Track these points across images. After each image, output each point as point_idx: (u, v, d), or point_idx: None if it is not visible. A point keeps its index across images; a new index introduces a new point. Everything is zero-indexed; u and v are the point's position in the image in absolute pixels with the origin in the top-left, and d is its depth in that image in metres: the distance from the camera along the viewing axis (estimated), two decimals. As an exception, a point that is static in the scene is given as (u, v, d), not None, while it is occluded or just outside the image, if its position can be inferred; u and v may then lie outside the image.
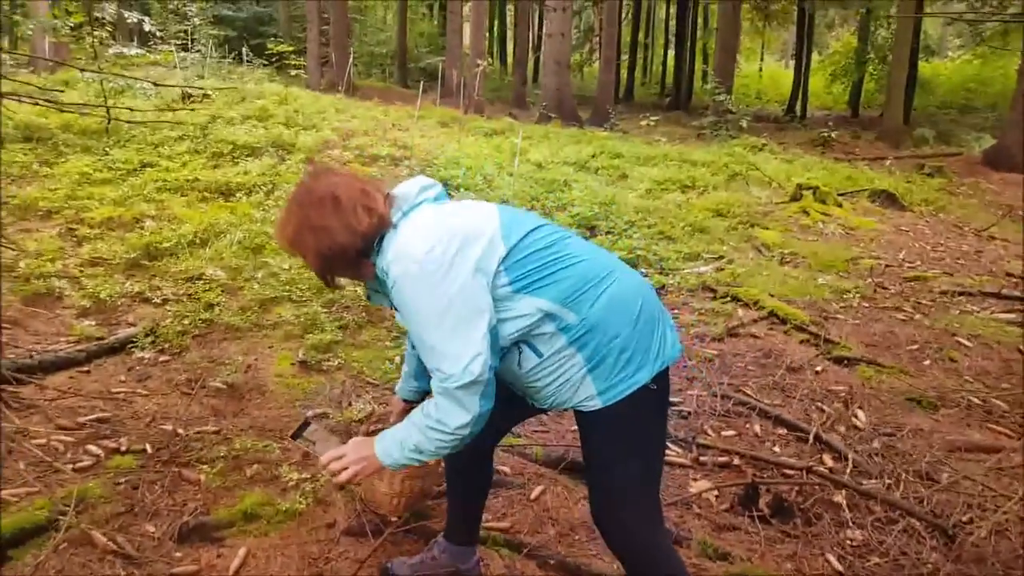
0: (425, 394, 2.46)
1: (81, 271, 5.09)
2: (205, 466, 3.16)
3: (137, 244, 5.48)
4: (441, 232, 1.86)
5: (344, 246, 1.90)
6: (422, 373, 2.41)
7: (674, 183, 9.48)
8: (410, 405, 2.44)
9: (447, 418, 1.85)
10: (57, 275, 4.93)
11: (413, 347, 2.39)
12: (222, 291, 5.04)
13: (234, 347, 4.38)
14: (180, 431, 3.45)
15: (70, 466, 3.08)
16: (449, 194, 2.17)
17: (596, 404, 1.93)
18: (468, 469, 2.46)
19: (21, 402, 3.53)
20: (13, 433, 3.24)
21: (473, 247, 1.85)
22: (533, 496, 3.19)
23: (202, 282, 5.19)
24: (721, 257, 6.89)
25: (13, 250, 5.00)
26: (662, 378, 1.98)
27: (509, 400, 2.08)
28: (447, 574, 2.56)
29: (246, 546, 2.71)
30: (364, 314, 4.83)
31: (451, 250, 1.83)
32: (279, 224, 2.00)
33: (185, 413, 3.63)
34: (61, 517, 2.73)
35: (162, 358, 4.23)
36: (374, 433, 2.08)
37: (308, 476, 3.06)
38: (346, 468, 1.98)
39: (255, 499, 2.95)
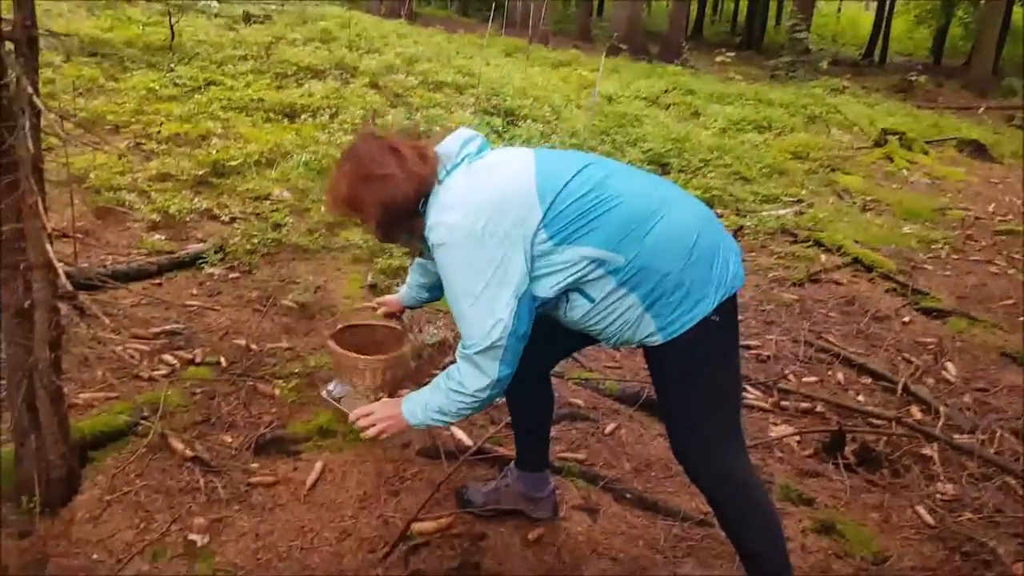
0: (424, 304, 2.58)
1: (150, 186, 5.07)
2: (280, 381, 3.13)
3: (204, 161, 5.44)
4: (476, 200, 1.86)
5: (408, 195, 1.90)
6: (435, 287, 2.42)
7: (749, 123, 9.10)
8: (402, 311, 2.64)
9: (467, 381, 1.90)
10: (127, 188, 4.92)
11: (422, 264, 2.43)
12: (289, 212, 4.98)
13: (303, 268, 4.33)
14: (253, 346, 3.42)
15: (146, 374, 3.08)
16: (490, 143, 2.08)
17: (658, 339, 1.90)
18: (527, 393, 2.37)
19: (95, 311, 3.53)
20: (89, 340, 3.24)
21: (506, 216, 1.83)
22: (607, 431, 3.09)
23: (269, 202, 5.13)
24: (800, 201, 6.60)
25: (104, 150, 4.99)
26: (726, 308, 1.91)
27: (568, 330, 2.04)
28: (522, 501, 2.50)
29: (322, 460, 2.68)
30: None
31: (481, 221, 1.82)
32: (330, 187, 2.00)
33: (257, 330, 3.60)
34: (142, 422, 2.72)
35: (232, 275, 4.21)
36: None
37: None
38: (374, 425, 2.04)
39: (330, 416, 2.91)
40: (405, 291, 2.53)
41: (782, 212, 6.27)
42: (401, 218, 1.94)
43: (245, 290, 4.03)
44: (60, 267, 1.94)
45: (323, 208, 4.99)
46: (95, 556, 2.18)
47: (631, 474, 2.84)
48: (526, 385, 2.34)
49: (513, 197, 1.85)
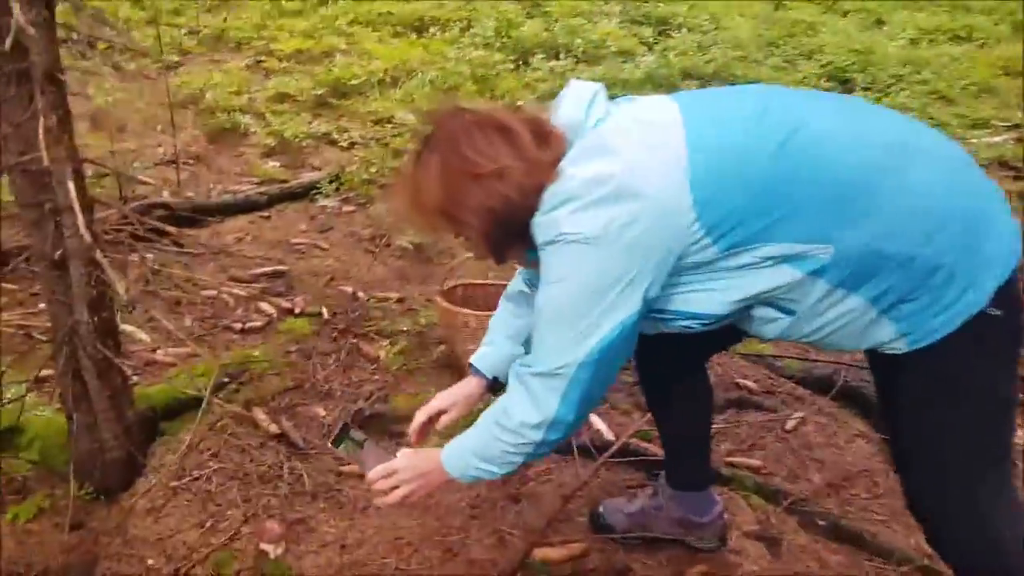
0: None
1: (267, 107, 4.70)
2: (386, 342, 2.64)
3: (325, 80, 5.00)
4: (609, 188, 1.26)
5: (528, 194, 1.31)
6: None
7: (944, 32, 7.63)
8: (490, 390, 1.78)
9: (515, 409, 1.42)
10: (243, 110, 4.56)
11: (529, 289, 1.70)
12: (412, 137, 4.44)
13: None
14: (360, 294, 2.95)
15: (239, 325, 2.67)
16: (613, 95, 1.44)
17: (900, 348, 1.31)
18: (675, 391, 1.76)
19: (195, 247, 3.18)
20: (183, 281, 2.88)
21: (646, 215, 1.25)
22: (789, 427, 2.39)
23: (391, 126, 4.64)
24: (1017, 126, 5.37)
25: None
26: (1006, 297, 1.26)
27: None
28: (678, 528, 1.89)
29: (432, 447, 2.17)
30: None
31: (617, 220, 1.25)
32: (409, 190, 1.41)
33: (367, 275, 3.13)
34: (225, 387, 2.32)
35: (346, 208, 3.77)
36: None
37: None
38: (397, 487, 1.55)
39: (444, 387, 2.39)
40: (489, 354, 1.75)
41: (996, 140, 5.13)
42: (518, 226, 1.34)
43: (358, 226, 3.57)
44: (82, 221, 1.46)
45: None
46: (150, 562, 1.79)
47: (824, 490, 2.15)
48: (674, 380, 1.74)
49: (656, 184, 1.26)
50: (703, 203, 1.24)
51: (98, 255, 1.65)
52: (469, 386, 1.75)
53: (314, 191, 3.86)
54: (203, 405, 2.07)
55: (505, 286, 2.23)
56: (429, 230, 1.52)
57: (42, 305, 2.64)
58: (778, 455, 2.28)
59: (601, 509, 1.97)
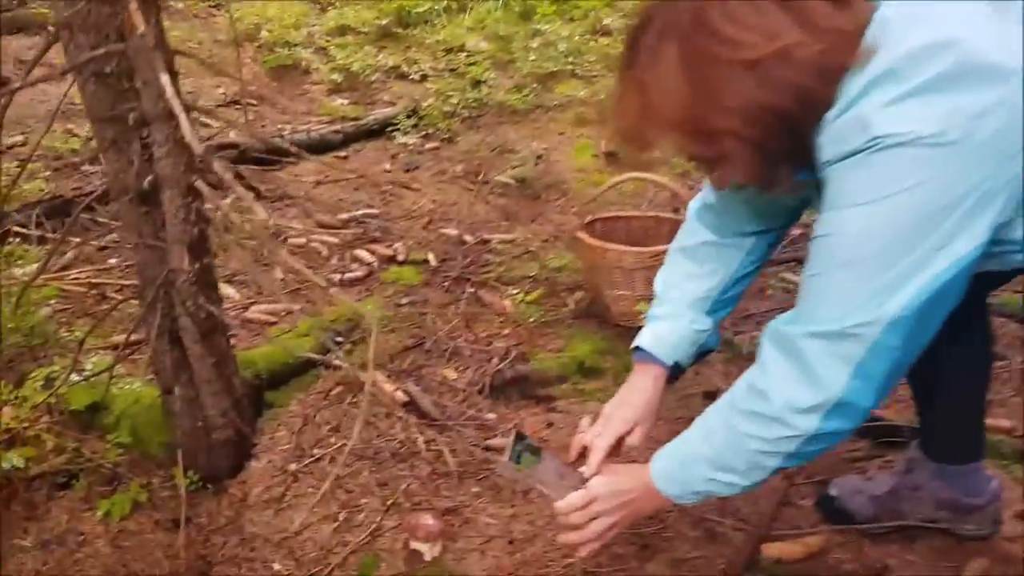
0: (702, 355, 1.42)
1: (327, 41, 4.27)
2: (512, 290, 2.24)
3: (387, 9, 4.53)
4: (939, 68, 0.86)
5: (829, 79, 0.91)
6: (727, 297, 1.37)
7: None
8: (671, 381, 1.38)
9: (773, 386, 1.03)
10: (303, 44, 4.13)
11: (718, 237, 1.32)
12: (490, 65, 3.98)
13: (514, 133, 3.37)
14: (467, 238, 2.54)
15: (337, 276, 2.29)
16: None
17: None
18: (957, 331, 1.33)
19: (273, 192, 2.79)
20: (268, 232, 2.49)
21: (994, 113, 0.86)
22: None
23: (465, 55, 4.17)
24: None
25: None
26: None
27: None
28: (943, 510, 1.46)
29: (589, 415, 1.78)
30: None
31: (955, 119, 0.85)
32: (640, 100, 0.99)
33: (468, 214, 2.72)
34: (335, 348, 1.93)
35: (429, 144, 3.34)
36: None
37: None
38: (596, 518, 1.20)
39: (593, 344, 1.98)
40: (666, 332, 1.33)
41: None
42: (804, 131, 0.94)
43: (447, 163, 3.14)
44: (191, 130, 1.06)
45: (531, 56, 3.94)
46: (276, 567, 1.43)
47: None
48: (959, 324, 1.28)
49: (1015, 61, 0.88)
50: None
51: (199, 183, 1.25)
52: (644, 384, 1.33)
53: (391, 128, 3.44)
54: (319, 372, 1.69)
55: (652, 217, 1.81)
56: (671, 148, 1.08)
57: (112, 260, 2.28)
58: None
59: (834, 492, 1.54)
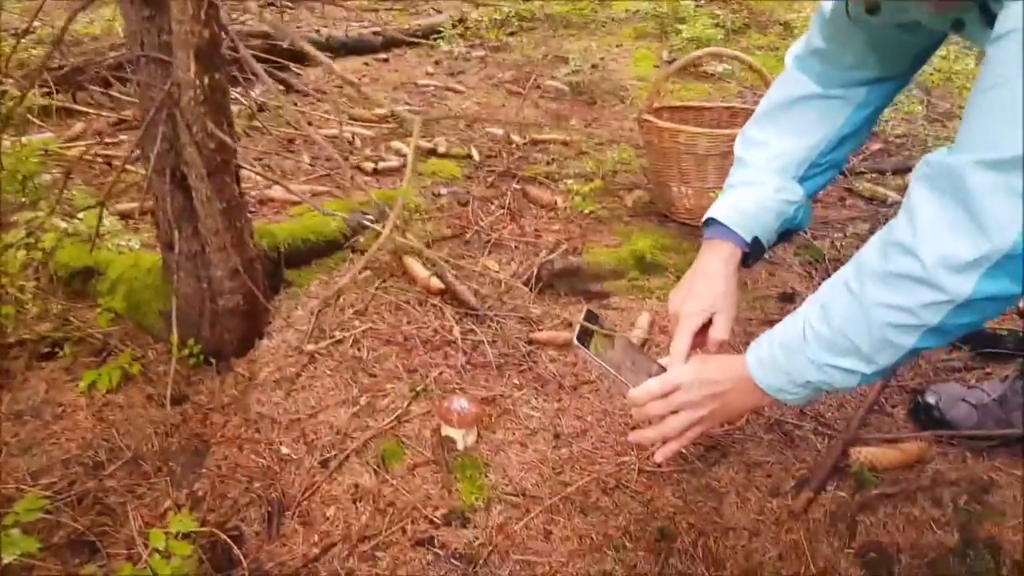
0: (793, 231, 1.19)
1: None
2: (561, 185, 1.99)
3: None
4: None
5: None
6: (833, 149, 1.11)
7: None
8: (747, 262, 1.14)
9: (930, 234, 0.78)
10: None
11: (822, 88, 1.10)
12: None
13: (570, 45, 3.10)
14: (515, 138, 2.30)
15: (370, 165, 2.06)
16: None
17: None
18: None
19: (306, 86, 2.57)
20: (295, 120, 2.28)
21: None
22: None
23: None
24: None
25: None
26: None
27: None
28: None
29: (647, 311, 1.54)
30: None
31: None
32: None
33: (517, 116, 2.47)
34: (365, 229, 1.72)
35: (476, 53, 3.09)
36: None
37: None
38: (677, 413, 0.99)
39: (655, 240, 1.74)
40: (745, 201, 1.09)
41: None
42: None
43: (495, 69, 2.90)
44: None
45: (664, 50, 3.66)
46: (285, 450, 1.22)
47: None
48: None
49: None
50: None
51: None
52: (713, 266, 1.09)
53: (435, 36, 3.19)
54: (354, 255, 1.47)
55: (724, 108, 1.56)
56: None
57: (124, 137, 2.09)
58: None
59: (932, 399, 1.30)
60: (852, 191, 2.10)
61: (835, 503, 1.15)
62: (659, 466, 1.20)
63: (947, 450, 1.25)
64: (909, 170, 2.22)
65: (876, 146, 2.42)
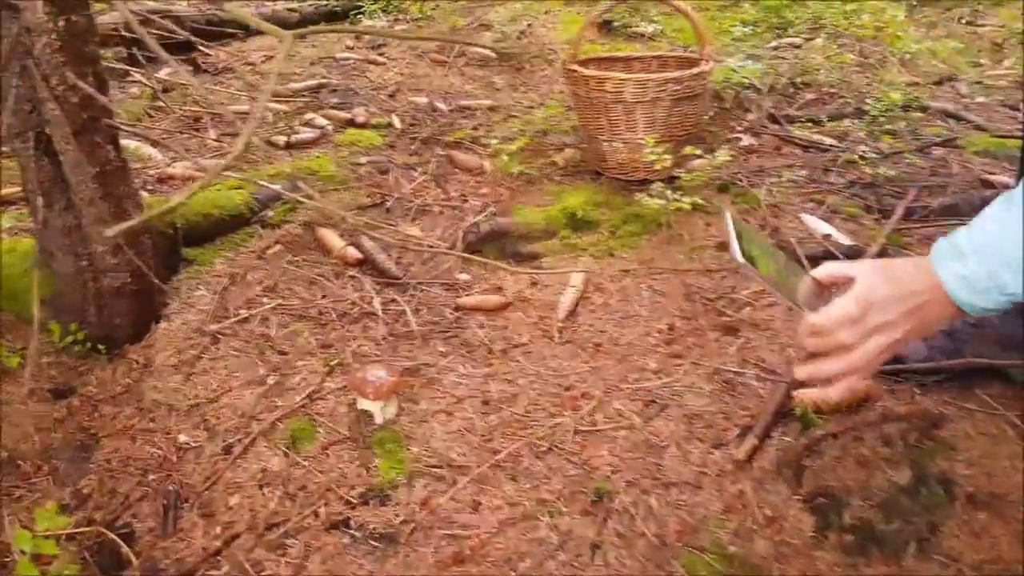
0: None
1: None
2: (490, 148, 1.89)
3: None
4: None
5: None
6: None
7: None
8: None
9: None
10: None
11: None
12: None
13: (495, 14, 3.00)
14: (439, 104, 2.19)
15: (283, 139, 1.94)
16: None
17: None
18: None
19: (214, 65, 2.43)
20: (205, 94, 2.14)
21: None
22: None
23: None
24: None
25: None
26: None
27: None
28: (1007, 354, 1.17)
29: (582, 270, 1.46)
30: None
31: None
32: None
33: (443, 84, 2.36)
34: (277, 200, 1.60)
35: (400, 26, 2.97)
36: None
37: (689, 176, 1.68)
38: (873, 334, 0.77)
39: (587, 196, 1.66)
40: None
41: None
42: None
43: (420, 42, 2.78)
44: None
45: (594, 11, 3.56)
46: (183, 438, 1.10)
47: None
48: None
49: None
50: None
51: None
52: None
53: (356, 11, 3.07)
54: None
55: (652, 57, 1.48)
56: None
57: None
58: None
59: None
60: (788, 139, 2.05)
61: (781, 449, 1.07)
62: (594, 424, 1.12)
63: (896, 387, 1.19)
64: (843, 117, 2.18)
65: (811, 95, 2.38)
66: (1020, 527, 0.98)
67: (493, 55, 2.53)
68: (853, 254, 1.45)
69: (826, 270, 0.81)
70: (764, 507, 1.00)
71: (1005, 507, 1.00)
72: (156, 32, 2.07)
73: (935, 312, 0.79)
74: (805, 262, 1.21)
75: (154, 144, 1.81)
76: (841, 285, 0.79)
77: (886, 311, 0.77)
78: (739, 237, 0.79)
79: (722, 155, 1.58)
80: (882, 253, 1.48)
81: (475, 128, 2.03)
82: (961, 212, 1.71)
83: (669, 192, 1.55)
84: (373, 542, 0.96)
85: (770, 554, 0.95)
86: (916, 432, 1.11)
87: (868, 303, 0.77)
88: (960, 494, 1.02)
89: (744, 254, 0.77)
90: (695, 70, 1.65)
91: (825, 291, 0.80)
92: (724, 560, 0.94)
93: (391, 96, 2.25)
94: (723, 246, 1.55)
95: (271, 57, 2.53)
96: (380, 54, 2.64)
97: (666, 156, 1.58)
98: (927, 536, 0.98)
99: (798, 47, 2.74)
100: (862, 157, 1.87)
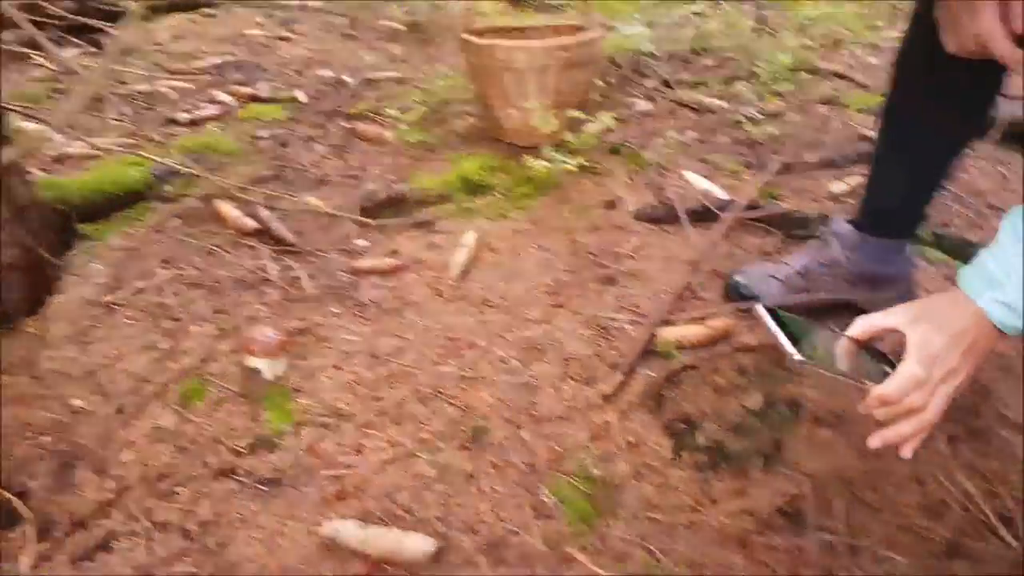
0: None
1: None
2: (390, 117, 1.94)
3: None
4: None
5: None
6: None
7: None
8: None
9: None
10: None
11: None
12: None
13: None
14: (346, 78, 2.23)
15: (184, 116, 1.95)
16: None
17: None
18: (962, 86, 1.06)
19: (118, 44, 2.41)
20: (108, 78, 2.13)
21: None
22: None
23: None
24: None
25: None
26: None
27: None
28: (859, 289, 1.28)
29: (474, 230, 1.52)
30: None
31: None
32: None
33: (352, 59, 2.39)
34: (172, 177, 1.63)
35: (312, 4, 2.97)
36: None
37: (575, 142, 1.75)
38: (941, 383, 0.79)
39: (481, 162, 1.72)
40: None
41: None
42: None
43: (329, 16, 2.79)
44: None
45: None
46: (78, 402, 1.14)
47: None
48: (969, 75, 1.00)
49: None
50: None
51: None
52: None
53: (268, -11, 3.05)
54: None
55: (546, 27, 1.55)
56: None
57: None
58: (945, 204, 1.66)
59: (740, 279, 1.34)
60: (682, 104, 2.14)
61: (645, 383, 1.16)
62: (479, 374, 1.19)
63: (753, 324, 1.29)
64: (736, 79, 2.28)
65: (708, 62, 2.48)
66: (860, 440, 1.09)
67: (403, 28, 2.56)
68: (723, 206, 1.55)
69: (859, 328, 0.83)
70: (627, 434, 1.09)
71: (847, 424, 1.11)
72: (59, 15, 2.07)
73: (984, 342, 0.80)
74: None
75: (46, 123, 1.81)
76: (881, 339, 0.81)
77: (947, 360, 0.78)
78: (782, 327, 0.81)
79: (606, 119, 1.65)
80: (753, 205, 1.57)
81: (379, 100, 2.07)
82: (837, 165, 1.83)
83: (557, 155, 1.63)
84: (260, 486, 1.02)
85: (629, 474, 1.04)
86: (768, 361, 1.22)
87: (931, 359, 0.77)
88: (806, 415, 1.13)
89: (799, 349, 0.80)
90: (582, 37, 1.72)
91: (861, 348, 0.82)
92: (588, 482, 1.02)
93: (298, 72, 2.27)
94: (611, 204, 1.64)
95: (179, 38, 2.52)
96: (290, 30, 2.65)
97: (554, 121, 1.65)
98: (773, 452, 1.08)
99: (699, 14, 2.83)
100: (748, 118, 1.97)
